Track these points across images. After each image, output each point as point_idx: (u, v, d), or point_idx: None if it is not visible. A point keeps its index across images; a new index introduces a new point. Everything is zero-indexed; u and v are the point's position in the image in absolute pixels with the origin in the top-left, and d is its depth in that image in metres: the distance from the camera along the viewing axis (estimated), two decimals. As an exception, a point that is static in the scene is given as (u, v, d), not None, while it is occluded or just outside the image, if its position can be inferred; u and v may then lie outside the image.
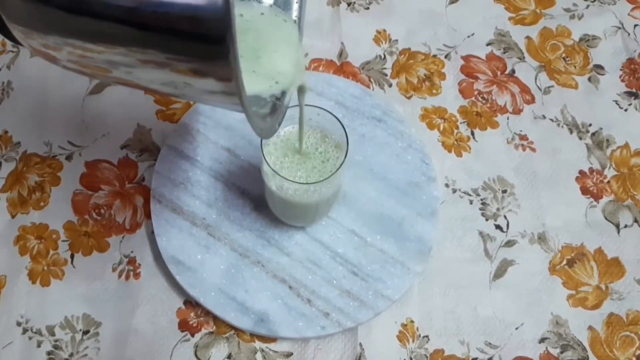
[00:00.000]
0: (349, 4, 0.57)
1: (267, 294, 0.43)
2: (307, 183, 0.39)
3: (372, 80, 0.53)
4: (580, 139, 0.51)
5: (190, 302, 0.44)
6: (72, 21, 0.22)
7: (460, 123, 0.51)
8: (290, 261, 0.44)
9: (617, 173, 0.50)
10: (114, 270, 0.45)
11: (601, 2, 0.57)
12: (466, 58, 0.54)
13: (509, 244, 0.46)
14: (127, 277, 0.44)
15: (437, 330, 0.43)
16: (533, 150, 0.50)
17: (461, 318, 0.44)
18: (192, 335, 0.43)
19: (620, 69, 0.54)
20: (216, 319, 0.43)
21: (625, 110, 0.52)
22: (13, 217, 0.47)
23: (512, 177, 0.49)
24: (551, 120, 0.52)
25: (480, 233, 0.47)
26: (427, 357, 0.43)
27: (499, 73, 0.54)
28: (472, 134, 0.51)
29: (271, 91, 0.31)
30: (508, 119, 0.52)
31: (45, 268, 0.45)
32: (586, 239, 0.47)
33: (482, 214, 0.48)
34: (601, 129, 0.51)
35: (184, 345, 0.42)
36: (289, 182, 0.37)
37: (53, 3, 0.21)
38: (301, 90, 0.35)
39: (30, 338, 0.42)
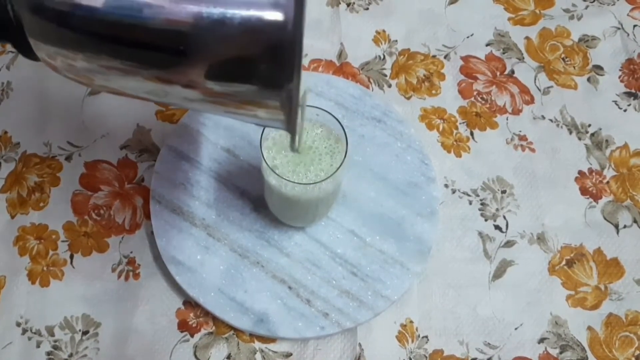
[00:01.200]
0: (348, 5, 0.57)
1: (267, 294, 0.43)
2: (306, 183, 0.39)
3: (371, 80, 0.53)
4: (580, 139, 0.51)
5: (190, 303, 0.44)
6: (114, 50, 0.23)
7: (460, 123, 0.51)
8: (289, 261, 0.44)
9: (617, 173, 0.50)
10: (113, 270, 0.45)
11: (600, 3, 0.57)
12: (465, 58, 0.54)
13: (508, 244, 0.47)
14: (126, 278, 0.44)
15: (436, 331, 0.43)
16: (532, 150, 0.50)
17: (460, 318, 0.44)
18: (192, 336, 0.43)
19: (620, 70, 0.54)
20: (215, 319, 0.43)
21: (625, 110, 0.52)
22: (12, 217, 0.47)
23: (511, 177, 0.49)
24: (550, 120, 0.52)
25: (480, 233, 0.47)
26: (426, 357, 0.43)
27: (498, 73, 0.54)
28: (472, 134, 0.51)
29: None
30: (507, 119, 0.52)
31: (45, 268, 0.45)
32: (585, 239, 0.47)
33: (482, 214, 0.48)
34: (600, 129, 0.51)
35: (183, 346, 0.42)
36: (289, 173, 0.37)
37: (106, 38, 0.23)
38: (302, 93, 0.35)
39: (29, 338, 0.42)
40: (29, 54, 0.26)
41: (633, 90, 0.53)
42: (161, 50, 0.22)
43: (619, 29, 0.56)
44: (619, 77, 0.54)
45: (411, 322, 0.44)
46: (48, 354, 0.42)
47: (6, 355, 0.42)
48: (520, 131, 0.51)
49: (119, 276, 0.45)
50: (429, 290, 0.45)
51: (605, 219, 0.48)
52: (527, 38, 0.56)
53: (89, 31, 0.23)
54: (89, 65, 0.24)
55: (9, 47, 0.54)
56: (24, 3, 0.23)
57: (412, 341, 0.43)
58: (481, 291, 0.45)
